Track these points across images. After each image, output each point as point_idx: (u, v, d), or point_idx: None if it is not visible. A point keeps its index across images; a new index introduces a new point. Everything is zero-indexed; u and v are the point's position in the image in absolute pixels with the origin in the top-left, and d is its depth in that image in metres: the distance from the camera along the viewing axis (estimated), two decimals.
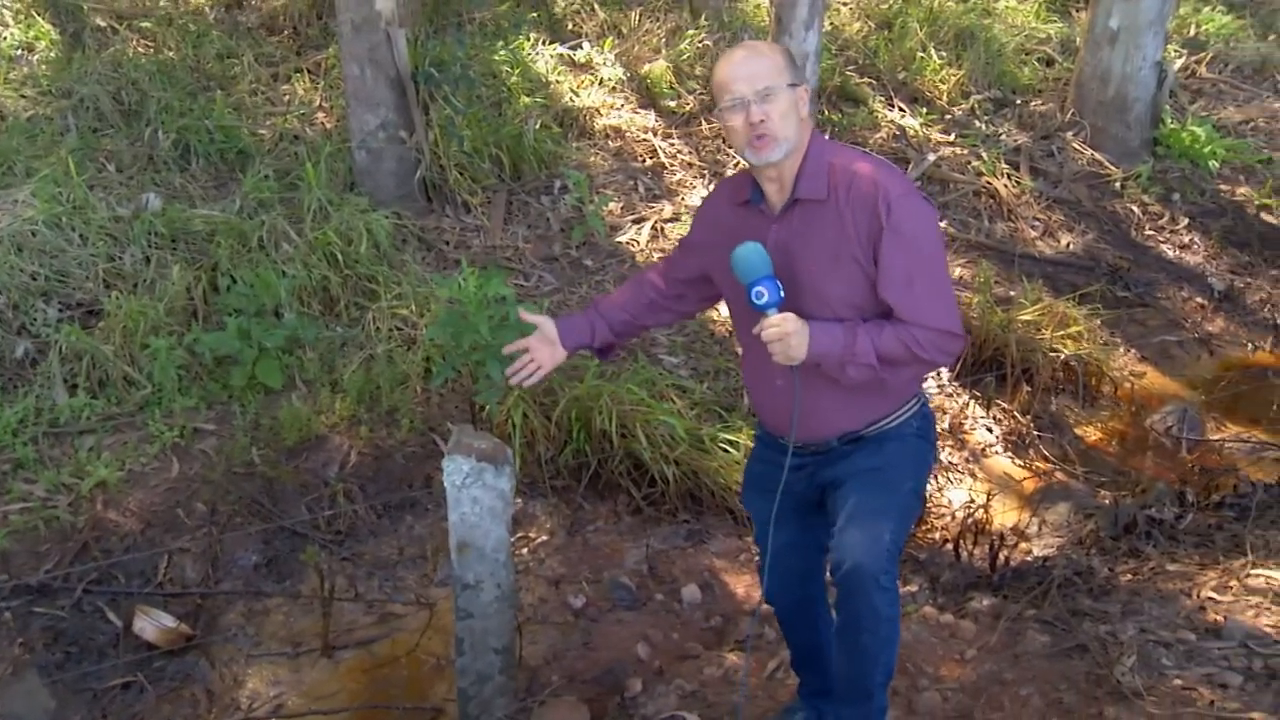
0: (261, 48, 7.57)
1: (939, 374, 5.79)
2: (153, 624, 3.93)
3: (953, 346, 2.65)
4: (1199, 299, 7.03)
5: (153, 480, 4.53)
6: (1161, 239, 7.55)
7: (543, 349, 2.99)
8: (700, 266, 2.93)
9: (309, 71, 7.40)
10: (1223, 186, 8.06)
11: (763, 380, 2.81)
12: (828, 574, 2.95)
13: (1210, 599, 3.79)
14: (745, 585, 4.32)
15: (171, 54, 7.26)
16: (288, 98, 7.11)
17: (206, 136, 6.46)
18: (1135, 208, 7.73)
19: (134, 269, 5.39)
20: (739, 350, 2.99)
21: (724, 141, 7.51)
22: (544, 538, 4.57)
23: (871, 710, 2.87)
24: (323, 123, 6.94)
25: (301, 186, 6.05)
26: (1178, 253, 7.46)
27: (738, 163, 7.32)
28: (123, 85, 6.74)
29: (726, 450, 4.77)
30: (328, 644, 4.00)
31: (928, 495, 5.03)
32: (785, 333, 2.56)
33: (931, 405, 5.47)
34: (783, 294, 2.59)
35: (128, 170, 6.17)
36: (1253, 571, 3.90)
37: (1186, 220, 7.71)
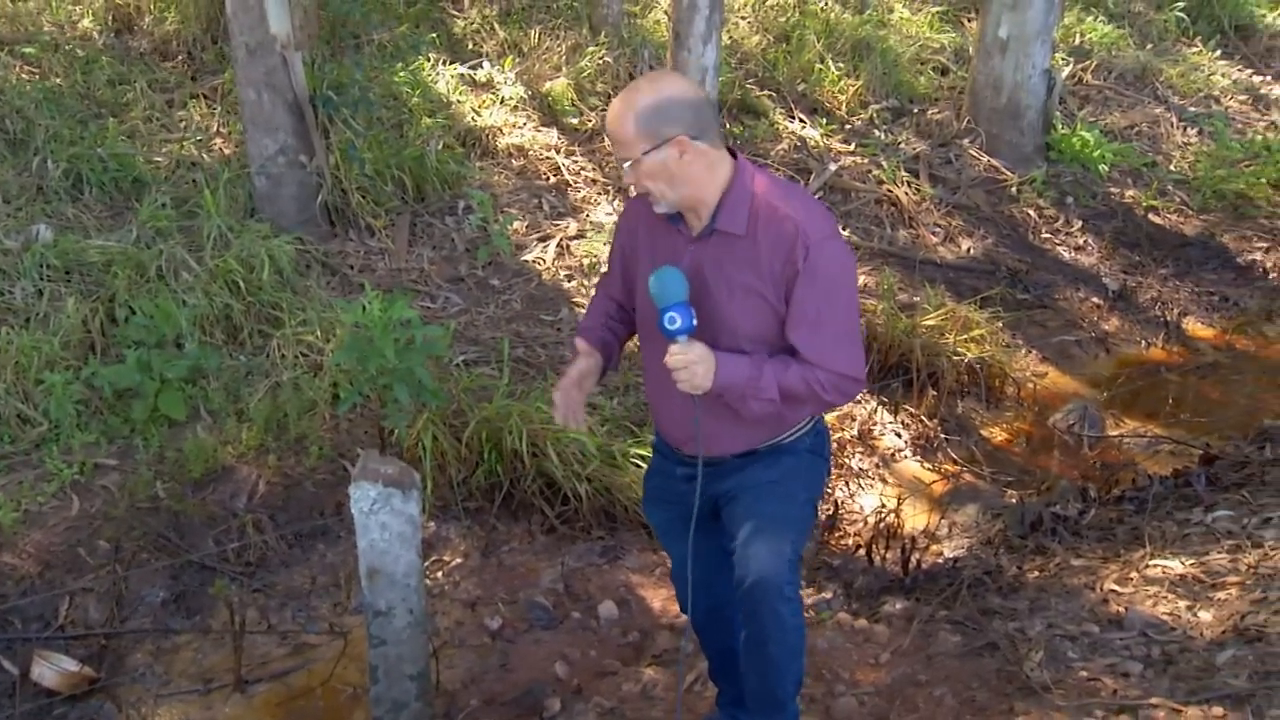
0: (154, 73, 7.43)
1: None
2: (52, 669, 3.80)
3: (853, 390, 2.69)
4: (1095, 299, 7.23)
5: (51, 520, 4.40)
6: (1057, 241, 7.75)
7: (572, 393, 2.90)
8: (629, 269, 2.93)
9: (205, 97, 7.28)
10: (1112, 189, 8.30)
11: (665, 395, 2.82)
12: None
13: (1113, 591, 3.90)
14: (662, 599, 4.33)
15: (59, 80, 7.09)
16: (184, 124, 6.99)
17: (99, 165, 6.31)
18: (1031, 212, 7.92)
19: (25, 303, 5.25)
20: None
21: None
22: (458, 560, 4.53)
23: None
24: (221, 149, 6.83)
25: (200, 214, 5.94)
26: (1073, 254, 7.66)
27: None
28: (6, 114, 6.57)
29: (638, 465, 4.78)
30: (240, 678, 3.92)
31: (839, 502, 5.10)
32: (690, 360, 2.57)
33: (840, 412, 5.60)
34: (695, 322, 2.59)
35: (15, 201, 6.00)
36: (1151, 562, 4.01)
37: (1080, 223, 7.92)
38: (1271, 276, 7.61)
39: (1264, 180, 8.40)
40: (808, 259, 2.54)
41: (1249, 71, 10.34)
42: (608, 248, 6.40)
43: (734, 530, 2.78)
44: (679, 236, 2.71)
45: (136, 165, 6.41)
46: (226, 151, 6.77)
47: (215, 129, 7.00)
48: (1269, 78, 10.33)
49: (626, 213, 2.94)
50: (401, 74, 7.55)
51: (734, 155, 2.66)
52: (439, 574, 4.46)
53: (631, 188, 2.63)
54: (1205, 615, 3.58)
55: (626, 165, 2.58)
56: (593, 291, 6.09)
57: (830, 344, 2.61)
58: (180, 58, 7.66)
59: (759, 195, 2.62)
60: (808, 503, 2.87)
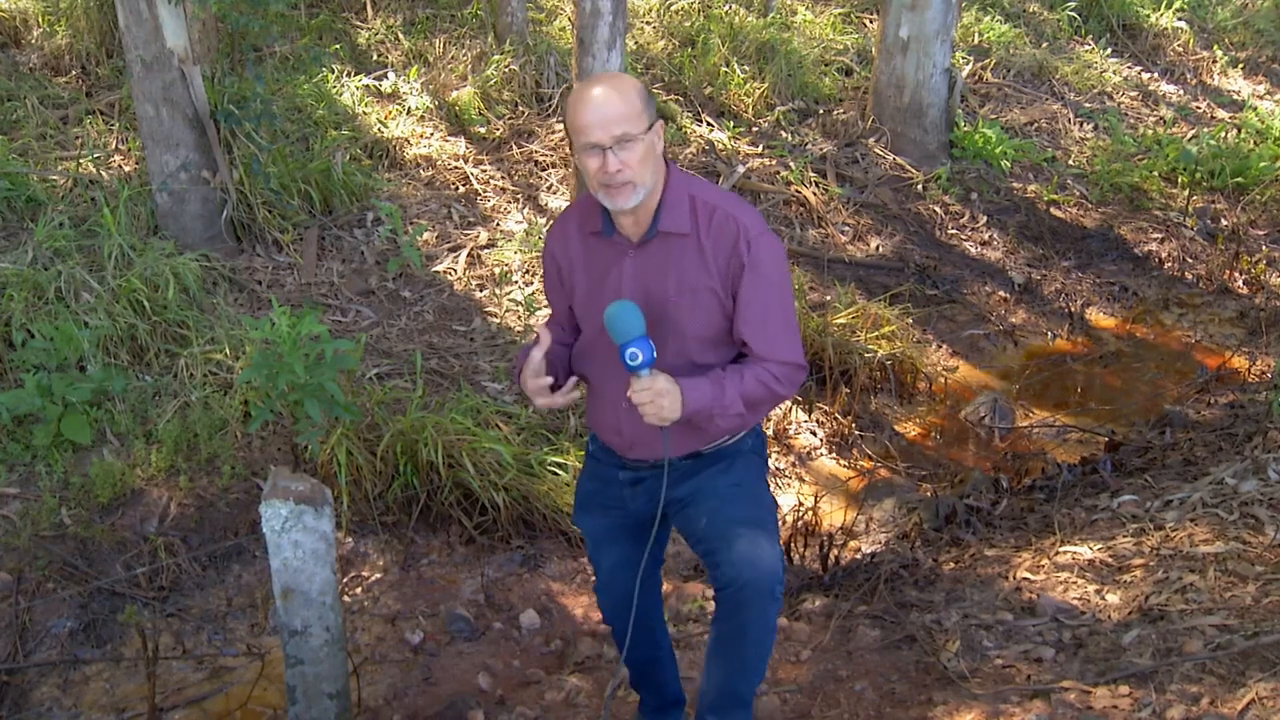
0: (46, 89, 7.25)
1: None
2: None
3: (799, 377, 2.73)
4: (1001, 293, 7.38)
5: None
6: (964, 237, 7.89)
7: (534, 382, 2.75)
8: (567, 300, 2.87)
9: (101, 113, 7.11)
10: (1015, 184, 8.48)
11: (607, 400, 2.80)
12: (695, 590, 2.98)
13: (1025, 579, 3.98)
14: (583, 606, 4.33)
15: None
16: (80, 141, 6.82)
17: None
18: (937, 208, 8.06)
19: None
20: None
21: (536, 165, 7.53)
22: (377, 575, 4.48)
23: (747, 717, 2.92)
24: (120, 166, 6.68)
25: (101, 233, 5.80)
26: (979, 249, 7.80)
27: (551, 186, 7.35)
28: None
29: (555, 473, 4.77)
30: (155, 706, 3.82)
31: None
32: (658, 393, 2.55)
33: None
34: (655, 354, 2.57)
35: None
36: (1061, 549, 4.10)
37: (985, 218, 8.08)
38: (1167, 266, 7.83)
39: (1156, 173, 8.65)
40: (751, 252, 2.59)
41: (1138, 69, 10.65)
42: (519, 256, 6.45)
43: (695, 535, 2.77)
44: (615, 248, 2.69)
45: (31, 184, 6.24)
46: (126, 168, 6.63)
47: (114, 145, 6.84)
48: (1156, 74, 10.65)
49: (551, 239, 2.87)
50: (305, 86, 7.46)
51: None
52: (358, 590, 4.41)
53: (597, 180, 2.52)
54: (1112, 598, 3.68)
55: (628, 141, 2.49)
56: (506, 301, 6.10)
57: (777, 335, 2.66)
58: (74, 73, 7.48)
59: (695, 194, 2.65)
60: (773, 504, 2.89)
